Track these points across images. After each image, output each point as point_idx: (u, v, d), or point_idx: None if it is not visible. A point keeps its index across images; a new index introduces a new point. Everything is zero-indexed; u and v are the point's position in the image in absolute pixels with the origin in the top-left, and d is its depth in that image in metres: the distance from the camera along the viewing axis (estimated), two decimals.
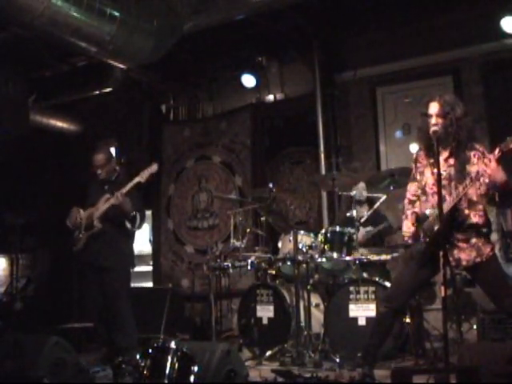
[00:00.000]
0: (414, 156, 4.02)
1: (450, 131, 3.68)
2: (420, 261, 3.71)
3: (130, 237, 5.46)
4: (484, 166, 3.49)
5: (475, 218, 3.67)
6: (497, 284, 3.69)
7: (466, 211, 3.67)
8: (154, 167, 5.26)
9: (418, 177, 3.95)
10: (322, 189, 6.75)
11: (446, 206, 3.56)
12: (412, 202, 3.96)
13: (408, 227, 3.84)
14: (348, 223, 5.40)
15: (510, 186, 3.57)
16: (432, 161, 3.81)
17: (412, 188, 3.99)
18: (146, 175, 5.19)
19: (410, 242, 3.82)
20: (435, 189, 3.74)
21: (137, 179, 5.17)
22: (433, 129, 3.64)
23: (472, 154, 3.71)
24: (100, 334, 5.56)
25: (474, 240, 3.67)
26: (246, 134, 7.90)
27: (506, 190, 3.59)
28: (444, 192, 3.58)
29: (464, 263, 3.69)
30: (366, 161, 7.03)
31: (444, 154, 3.73)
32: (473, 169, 3.57)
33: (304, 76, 7.41)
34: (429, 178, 3.84)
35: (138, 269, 6.46)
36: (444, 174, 3.64)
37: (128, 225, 5.29)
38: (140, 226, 5.41)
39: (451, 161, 3.75)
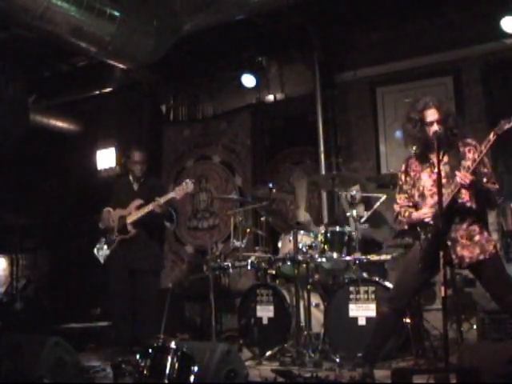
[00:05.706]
0: (403, 167, 3.98)
1: (447, 133, 3.69)
2: (422, 260, 3.71)
3: (161, 240, 5.67)
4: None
5: (473, 203, 3.66)
6: (499, 282, 3.69)
7: (468, 202, 3.67)
8: (191, 187, 5.16)
9: (407, 187, 3.92)
10: (321, 189, 6.75)
11: (445, 200, 3.56)
12: (404, 206, 3.92)
13: (427, 210, 3.73)
14: (344, 222, 5.41)
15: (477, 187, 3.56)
16: (428, 164, 3.82)
17: (400, 200, 3.95)
18: (181, 193, 5.19)
19: (431, 222, 3.70)
20: (434, 189, 3.74)
21: (172, 194, 5.24)
22: (434, 129, 3.65)
23: (467, 149, 3.74)
24: (120, 331, 5.49)
25: (477, 237, 3.68)
26: (246, 134, 7.89)
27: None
28: (443, 191, 3.57)
29: (467, 261, 3.68)
30: (365, 161, 7.03)
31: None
32: (468, 162, 3.58)
33: (304, 76, 7.41)
34: (426, 181, 3.83)
35: None
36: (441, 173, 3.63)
37: (168, 224, 5.60)
38: (178, 223, 5.75)
39: (445, 159, 3.75)
